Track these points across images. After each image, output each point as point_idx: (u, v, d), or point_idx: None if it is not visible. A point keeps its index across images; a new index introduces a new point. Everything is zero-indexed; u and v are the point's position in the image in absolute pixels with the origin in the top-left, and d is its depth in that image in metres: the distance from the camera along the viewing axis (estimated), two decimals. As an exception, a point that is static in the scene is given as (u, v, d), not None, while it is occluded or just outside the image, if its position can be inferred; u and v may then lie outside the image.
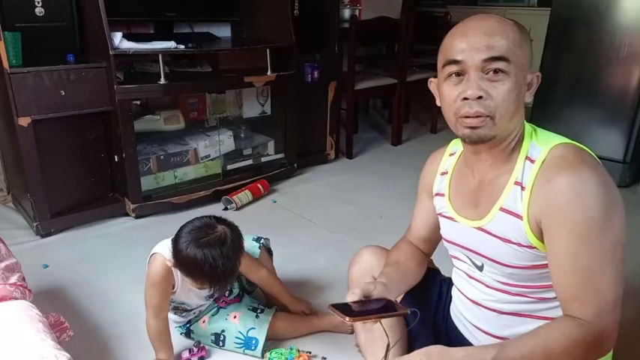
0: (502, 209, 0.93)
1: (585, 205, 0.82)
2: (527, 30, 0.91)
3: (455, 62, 0.88)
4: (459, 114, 0.89)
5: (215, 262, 1.19)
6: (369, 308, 0.91)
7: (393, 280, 1.05)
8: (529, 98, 0.91)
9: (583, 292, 0.84)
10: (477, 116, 0.86)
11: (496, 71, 0.85)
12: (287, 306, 1.55)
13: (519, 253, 0.92)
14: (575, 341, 0.82)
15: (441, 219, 1.10)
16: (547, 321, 0.94)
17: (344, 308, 0.89)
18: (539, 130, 0.95)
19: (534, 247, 0.90)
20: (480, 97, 0.85)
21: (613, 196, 0.84)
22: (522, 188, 0.90)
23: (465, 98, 0.86)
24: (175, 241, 1.24)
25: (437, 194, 1.10)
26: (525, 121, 0.95)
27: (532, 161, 0.90)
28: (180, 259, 1.22)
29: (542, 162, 0.88)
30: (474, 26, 0.88)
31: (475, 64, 0.86)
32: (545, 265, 0.91)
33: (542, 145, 0.90)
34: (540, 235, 0.88)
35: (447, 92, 0.90)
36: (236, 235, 1.26)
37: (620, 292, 0.84)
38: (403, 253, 1.17)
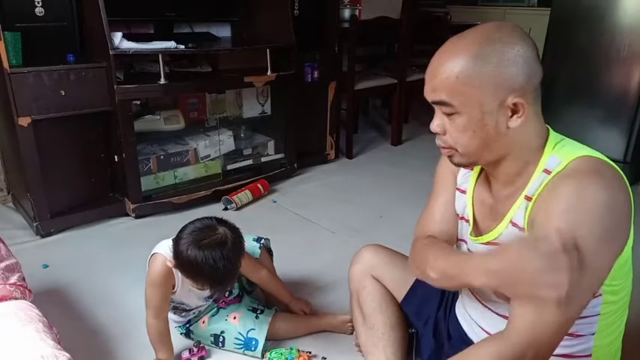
0: (512, 222, 0.91)
1: (574, 220, 0.76)
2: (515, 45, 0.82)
3: None
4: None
5: (216, 264, 1.19)
6: None
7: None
8: (514, 124, 0.84)
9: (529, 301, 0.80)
10: (443, 147, 0.91)
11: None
12: (287, 304, 1.55)
13: None
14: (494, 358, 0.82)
15: (458, 218, 1.08)
16: None
17: None
18: (568, 143, 0.89)
19: None
20: (439, 133, 0.89)
21: (614, 223, 0.78)
22: (529, 200, 0.87)
23: None
24: (176, 243, 1.24)
25: (458, 189, 1.07)
26: (553, 133, 0.90)
27: (548, 172, 0.85)
28: (181, 261, 1.22)
29: (557, 173, 0.83)
30: (431, 62, 0.87)
31: (430, 102, 0.88)
32: None
33: (562, 156, 0.85)
34: None
35: None
36: (237, 236, 1.26)
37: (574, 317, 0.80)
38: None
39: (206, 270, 1.20)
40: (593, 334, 0.91)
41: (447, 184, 1.10)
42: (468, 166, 0.93)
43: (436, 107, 0.88)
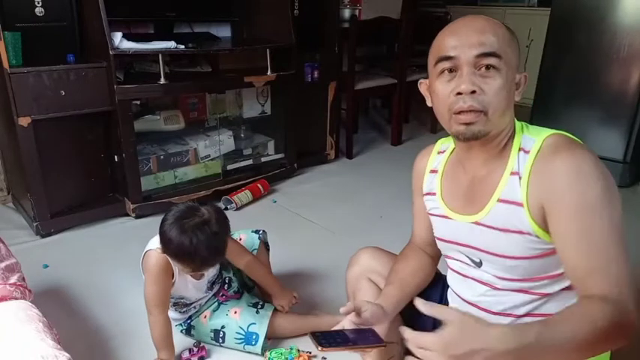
0: (500, 200, 0.93)
1: (589, 182, 0.84)
2: (517, 33, 0.93)
3: (448, 58, 0.89)
4: (453, 109, 0.90)
5: (201, 241, 1.21)
6: (347, 338, 0.91)
7: (392, 303, 1.07)
8: (518, 97, 0.93)
9: (600, 265, 0.82)
10: (471, 111, 0.88)
11: (488, 67, 0.87)
12: (272, 296, 1.52)
13: (520, 243, 0.92)
14: (609, 320, 0.77)
15: (432, 219, 1.09)
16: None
17: (322, 337, 0.88)
18: (529, 125, 0.98)
19: (534, 235, 0.90)
20: (473, 92, 0.87)
21: (610, 177, 0.87)
22: (520, 177, 0.91)
23: (459, 93, 0.88)
24: (162, 226, 1.25)
25: (427, 194, 1.10)
26: (515, 119, 0.97)
27: (526, 152, 0.92)
28: (167, 243, 1.23)
29: (538, 151, 0.90)
30: (464, 25, 0.91)
31: (467, 59, 0.87)
32: (545, 254, 0.91)
33: (534, 136, 0.93)
34: (541, 222, 0.89)
35: (440, 88, 0.92)
36: (220, 215, 1.28)
37: (629, 267, 0.83)
38: (410, 269, 1.15)
39: (193, 248, 1.21)
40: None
41: (418, 192, 1.14)
42: (483, 136, 0.91)
43: (472, 68, 0.87)
